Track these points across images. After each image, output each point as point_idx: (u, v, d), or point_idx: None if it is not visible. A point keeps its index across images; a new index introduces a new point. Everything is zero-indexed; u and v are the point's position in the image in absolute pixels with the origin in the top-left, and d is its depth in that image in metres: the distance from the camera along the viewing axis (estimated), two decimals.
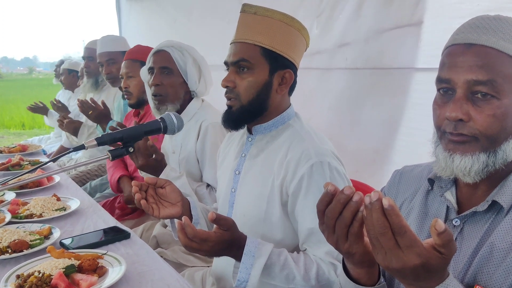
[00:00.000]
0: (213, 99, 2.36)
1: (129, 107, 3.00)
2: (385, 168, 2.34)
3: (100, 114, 3.08)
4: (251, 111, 1.54)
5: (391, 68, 2.32)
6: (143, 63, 2.72)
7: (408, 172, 1.22)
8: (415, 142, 2.17)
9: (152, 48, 2.90)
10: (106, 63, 3.49)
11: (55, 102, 4.55)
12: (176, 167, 2.20)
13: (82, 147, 1.30)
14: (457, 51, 0.97)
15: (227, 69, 1.57)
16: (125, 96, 2.85)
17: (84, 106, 3.10)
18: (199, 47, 2.34)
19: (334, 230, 0.88)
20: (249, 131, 1.62)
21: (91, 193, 3.09)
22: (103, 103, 3.18)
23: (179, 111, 2.21)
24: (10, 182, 1.37)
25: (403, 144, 2.29)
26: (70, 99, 5.02)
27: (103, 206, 2.59)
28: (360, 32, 2.46)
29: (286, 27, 1.51)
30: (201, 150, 2.14)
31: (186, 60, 2.20)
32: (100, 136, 1.34)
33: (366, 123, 2.49)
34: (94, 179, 3.34)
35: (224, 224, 1.29)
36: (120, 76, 2.89)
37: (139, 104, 2.82)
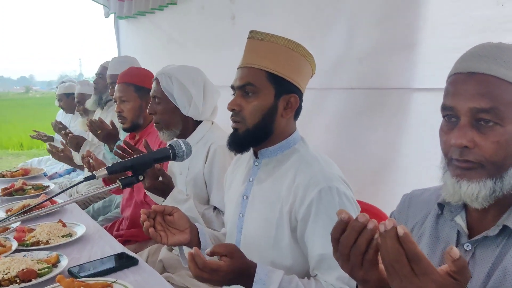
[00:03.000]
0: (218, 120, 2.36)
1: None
2: (385, 189, 2.30)
3: (109, 134, 3.05)
4: (256, 134, 1.55)
5: (387, 89, 2.28)
6: (137, 87, 2.75)
7: (417, 196, 1.23)
8: (415, 163, 2.12)
9: (146, 69, 2.93)
10: (111, 85, 3.51)
11: (56, 124, 4.52)
12: (183, 189, 2.19)
13: (93, 177, 1.31)
14: (460, 80, 0.99)
15: (233, 94, 1.59)
16: (119, 120, 2.83)
17: (93, 126, 3.10)
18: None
19: (349, 258, 0.89)
20: (255, 155, 1.63)
21: (94, 216, 3.09)
22: (112, 123, 3.16)
23: (186, 135, 2.21)
24: (17, 215, 1.37)
25: (402, 164, 2.25)
26: (71, 121, 5.01)
27: (106, 229, 2.58)
28: (353, 52, 2.43)
29: (291, 52, 1.54)
30: (209, 172, 2.14)
31: (173, 86, 2.18)
32: (111, 165, 1.35)
33: (364, 144, 2.45)
34: (97, 201, 3.34)
35: (224, 250, 1.30)
36: (114, 100, 2.88)
37: (133, 128, 2.80)
